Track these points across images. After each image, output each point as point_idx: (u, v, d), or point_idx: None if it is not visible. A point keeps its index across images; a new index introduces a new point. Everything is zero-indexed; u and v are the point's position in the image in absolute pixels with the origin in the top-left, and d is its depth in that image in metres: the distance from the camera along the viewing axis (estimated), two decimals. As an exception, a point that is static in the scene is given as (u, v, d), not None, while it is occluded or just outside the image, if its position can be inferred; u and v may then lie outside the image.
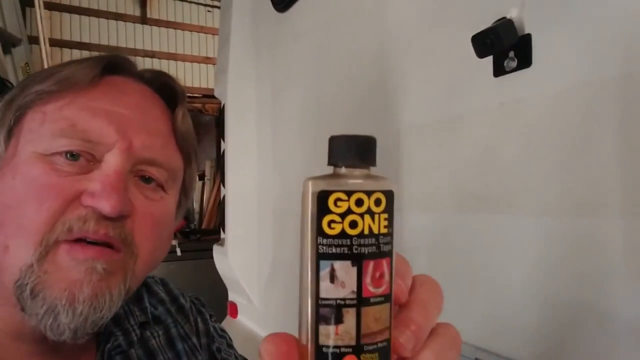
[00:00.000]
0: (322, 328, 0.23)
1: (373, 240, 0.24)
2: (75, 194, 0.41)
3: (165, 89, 0.51)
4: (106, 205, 0.40)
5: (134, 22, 4.29)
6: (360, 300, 0.23)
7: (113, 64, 0.48)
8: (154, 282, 0.63)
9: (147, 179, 0.46)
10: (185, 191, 0.54)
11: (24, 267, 0.39)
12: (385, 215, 0.25)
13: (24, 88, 0.45)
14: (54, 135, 0.42)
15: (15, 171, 0.42)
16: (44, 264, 0.39)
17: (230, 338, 0.67)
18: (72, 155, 0.42)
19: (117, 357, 0.51)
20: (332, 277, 0.23)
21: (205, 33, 4.54)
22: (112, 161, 0.43)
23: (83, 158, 0.42)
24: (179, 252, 2.46)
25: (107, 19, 4.17)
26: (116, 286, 0.42)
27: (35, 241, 0.39)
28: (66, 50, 3.95)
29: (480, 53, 0.61)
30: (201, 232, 2.69)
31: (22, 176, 0.41)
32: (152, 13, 4.38)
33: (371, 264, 0.24)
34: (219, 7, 2.12)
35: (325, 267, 0.23)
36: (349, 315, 0.23)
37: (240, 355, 0.69)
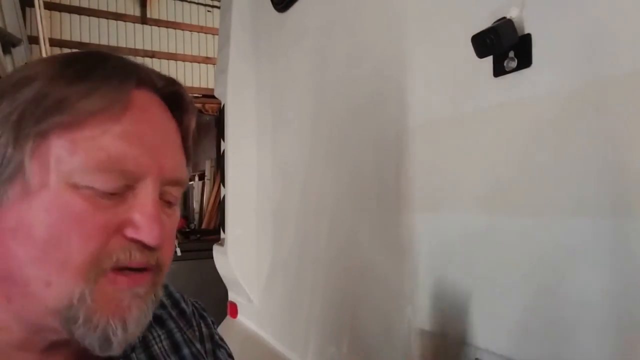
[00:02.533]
0: None
1: None
2: (117, 226, 0.42)
3: (174, 98, 0.50)
4: (150, 239, 0.42)
5: (134, 22, 4.29)
6: None
7: (141, 80, 0.46)
8: None
9: (168, 201, 0.47)
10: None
11: (73, 300, 0.40)
12: None
13: (36, 103, 0.41)
14: (89, 167, 0.40)
15: (49, 205, 0.40)
16: (94, 293, 0.41)
17: (228, 347, 0.68)
18: (112, 192, 0.42)
19: None
20: None
21: (205, 33, 4.54)
22: (149, 190, 0.43)
23: (119, 190, 0.42)
24: (179, 252, 2.46)
25: (107, 19, 4.18)
26: (151, 301, 0.45)
27: (82, 276, 0.40)
28: (66, 50, 3.95)
29: (480, 53, 0.61)
30: (201, 232, 2.70)
31: (60, 211, 0.40)
32: (152, 13, 4.38)
33: None
34: (219, 7, 2.12)
35: None
36: None
37: None
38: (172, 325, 0.58)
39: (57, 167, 0.41)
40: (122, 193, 0.42)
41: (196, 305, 0.66)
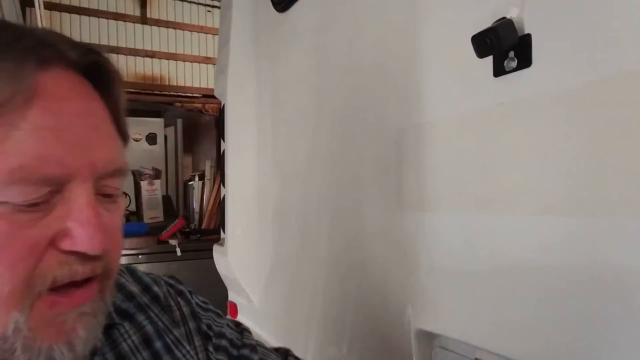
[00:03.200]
0: None
1: None
2: (48, 241, 0.35)
3: (95, 70, 0.41)
4: (91, 248, 0.36)
5: (134, 22, 4.29)
6: None
7: (46, 57, 0.37)
8: (119, 274, 0.55)
9: (107, 194, 0.41)
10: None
11: (8, 331, 0.35)
12: None
13: None
14: (1, 180, 0.34)
15: None
16: (30, 321, 0.35)
17: (215, 308, 0.63)
18: (32, 205, 0.35)
19: None
20: None
21: (205, 33, 4.54)
22: (80, 192, 0.37)
23: (42, 200, 0.36)
24: (179, 252, 2.46)
25: (107, 19, 4.17)
26: (101, 310, 0.41)
27: (13, 305, 0.35)
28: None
29: (480, 53, 0.61)
30: (201, 232, 2.69)
31: None
32: (152, 13, 4.37)
33: None
34: (219, 7, 2.12)
35: None
36: None
37: (233, 321, 0.66)
38: (141, 317, 0.52)
39: None
40: (47, 201, 0.36)
41: (171, 282, 0.60)
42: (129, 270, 0.57)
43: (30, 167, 0.34)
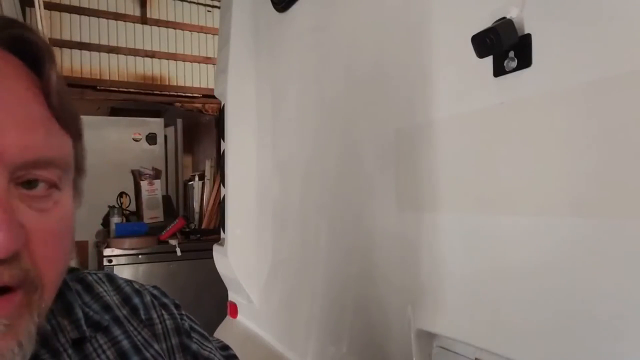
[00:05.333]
0: None
1: None
2: None
3: (22, 45, 0.36)
4: None
5: (134, 22, 4.29)
6: None
7: None
8: (96, 281, 0.51)
9: (31, 182, 0.35)
10: (80, 173, 0.42)
11: None
12: None
13: None
14: None
15: None
16: None
17: (201, 328, 0.58)
18: None
19: None
20: None
21: (205, 33, 4.54)
22: None
23: None
24: (179, 252, 2.46)
25: (107, 19, 4.18)
26: (24, 330, 0.34)
27: None
28: (66, 50, 3.95)
29: (480, 53, 0.61)
30: (201, 232, 2.69)
31: None
32: (152, 13, 4.38)
33: None
34: (219, 7, 2.12)
35: None
36: None
37: (222, 344, 0.60)
38: (117, 331, 0.48)
39: None
40: None
41: (155, 293, 0.55)
42: (109, 277, 0.53)
43: None
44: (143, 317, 0.51)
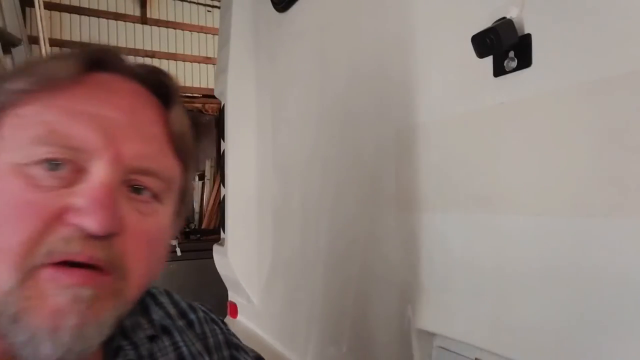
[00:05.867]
0: None
1: None
2: (57, 212, 0.36)
3: (160, 87, 0.46)
4: (92, 223, 0.36)
5: (134, 22, 4.29)
6: None
7: (99, 59, 0.42)
8: (158, 293, 0.58)
9: (139, 189, 0.41)
10: (183, 199, 0.48)
11: (3, 292, 0.35)
12: None
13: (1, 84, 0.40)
14: (31, 142, 0.37)
15: None
16: (25, 289, 0.35)
17: (243, 344, 0.64)
18: (53, 165, 0.37)
19: None
20: None
21: (205, 33, 4.54)
22: (100, 172, 0.38)
23: (66, 168, 0.37)
24: (179, 252, 2.46)
25: (107, 19, 4.18)
26: (105, 313, 0.38)
27: (13, 265, 0.35)
28: (66, 50, 3.94)
29: (480, 53, 0.61)
30: (201, 232, 2.70)
31: (0, 192, 0.36)
32: (152, 13, 4.38)
33: None
34: (219, 7, 2.12)
35: None
36: None
37: (255, 356, 0.65)
38: (178, 337, 0.54)
39: (3, 145, 0.38)
40: (71, 177, 0.37)
41: (204, 309, 0.61)
42: (166, 292, 0.59)
43: (56, 135, 0.37)
44: (197, 331, 0.57)
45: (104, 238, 0.37)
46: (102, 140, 0.38)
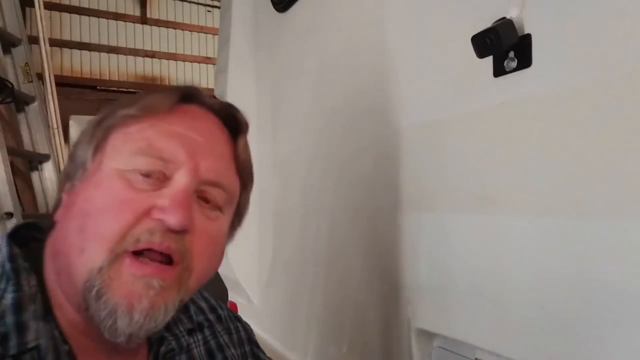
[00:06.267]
0: None
1: None
2: (146, 209, 0.45)
3: (230, 120, 0.55)
4: (173, 219, 0.44)
5: (134, 22, 4.29)
6: None
7: (189, 94, 0.53)
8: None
9: (207, 200, 0.50)
10: (239, 214, 0.57)
11: (95, 269, 0.43)
12: None
13: (112, 111, 0.51)
14: (133, 152, 0.47)
15: (98, 183, 0.47)
16: (111, 270, 0.43)
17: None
18: (147, 172, 0.47)
19: None
20: None
21: (205, 33, 4.55)
22: (181, 180, 0.47)
23: (156, 175, 0.47)
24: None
25: (107, 19, 4.18)
26: (171, 299, 0.46)
27: (108, 248, 0.43)
28: (66, 50, 3.95)
29: (480, 53, 0.61)
30: (201, 232, 2.69)
31: (104, 189, 0.46)
32: (152, 13, 4.38)
33: None
34: (219, 7, 2.12)
35: None
36: None
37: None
38: (207, 332, 0.62)
39: (111, 154, 0.48)
40: (159, 182, 0.47)
41: (229, 308, 0.70)
42: (200, 291, 0.67)
43: (153, 148, 0.47)
44: (225, 325, 0.65)
45: (179, 232, 0.45)
46: (186, 155, 0.48)
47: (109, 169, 0.47)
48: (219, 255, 0.53)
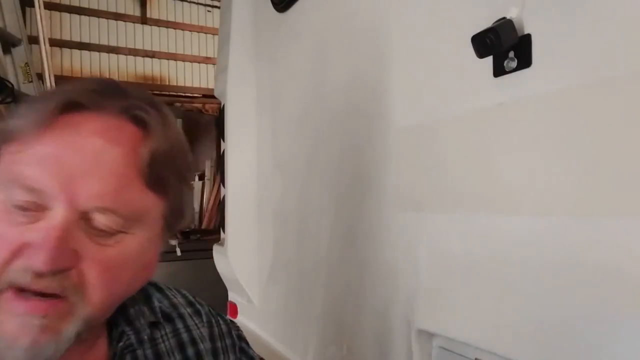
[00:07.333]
0: None
1: None
2: (20, 245, 0.41)
3: (138, 118, 0.47)
4: (39, 262, 0.40)
5: (134, 22, 4.29)
6: None
7: (72, 102, 0.45)
8: (166, 287, 0.64)
9: (98, 228, 0.44)
10: (172, 217, 0.50)
11: None
12: None
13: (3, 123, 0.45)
14: (7, 182, 0.42)
15: None
16: None
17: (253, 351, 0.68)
18: (21, 207, 0.42)
19: (127, 356, 0.53)
20: None
21: (205, 33, 4.54)
22: (55, 213, 0.42)
23: (31, 207, 0.42)
24: (179, 252, 2.46)
25: (107, 19, 4.17)
26: (64, 329, 0.42)
27: None
28: (66, 50, 3.95)
29: (480, 53, 0.61)
30: (201, 232, 2.70)
31: None
32: (152, 13, 4.37)
33: None
34: (219, 7, 2.12)
35: None
36: None
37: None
38: (180, 324, 0.59)
39: None
40: (37, 214, 0.42)
41: (210, 305, 0.67)
42: (175, 288, 0.65)
43: (23, 177, 0.42)
44: (204, 319, 0.63)
45: (56, 272, 0.41)
46: (58, 184, 0.42)
47: None
48: (125, 273, 0.46)
